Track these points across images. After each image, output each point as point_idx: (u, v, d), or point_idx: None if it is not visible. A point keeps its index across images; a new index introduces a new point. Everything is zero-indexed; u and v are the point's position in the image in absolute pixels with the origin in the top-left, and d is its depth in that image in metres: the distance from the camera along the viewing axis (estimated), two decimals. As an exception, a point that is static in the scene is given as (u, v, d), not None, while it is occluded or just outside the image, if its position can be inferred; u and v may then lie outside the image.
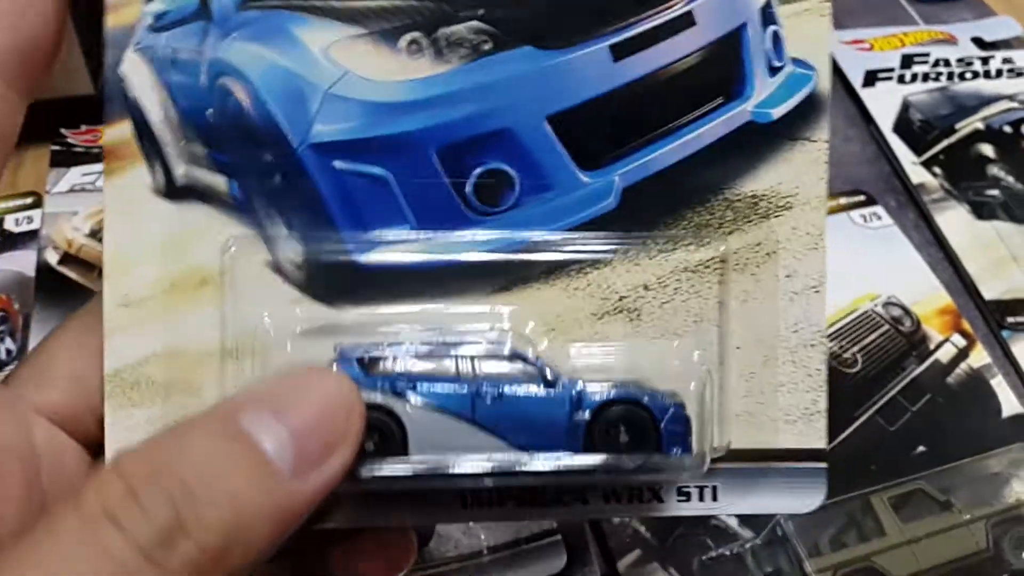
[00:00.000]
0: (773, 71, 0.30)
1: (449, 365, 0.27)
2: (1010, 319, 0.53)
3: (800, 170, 0.29)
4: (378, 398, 0.26)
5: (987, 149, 0.63)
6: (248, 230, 0.28)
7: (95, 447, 0.28)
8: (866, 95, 0.67)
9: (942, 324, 0.53)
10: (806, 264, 0.29)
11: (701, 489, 0.29)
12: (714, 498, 0.29)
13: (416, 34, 0.28)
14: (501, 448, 0.26)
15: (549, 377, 0.27)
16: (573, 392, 0.27)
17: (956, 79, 0.68)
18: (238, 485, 0.21)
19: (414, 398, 0.26)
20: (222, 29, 0.29)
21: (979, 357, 0.51)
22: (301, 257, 0.28)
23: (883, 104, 0.66)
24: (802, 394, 0.29)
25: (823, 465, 0.29)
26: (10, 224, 0.57)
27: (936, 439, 0.48)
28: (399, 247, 0.28)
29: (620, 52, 0.29)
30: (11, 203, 0.58)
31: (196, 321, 0.28)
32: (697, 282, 0.29)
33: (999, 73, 0.69)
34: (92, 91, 0.61)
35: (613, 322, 0.29)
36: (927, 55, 0.70)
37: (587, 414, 0.27)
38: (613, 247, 0.29)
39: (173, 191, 0.29)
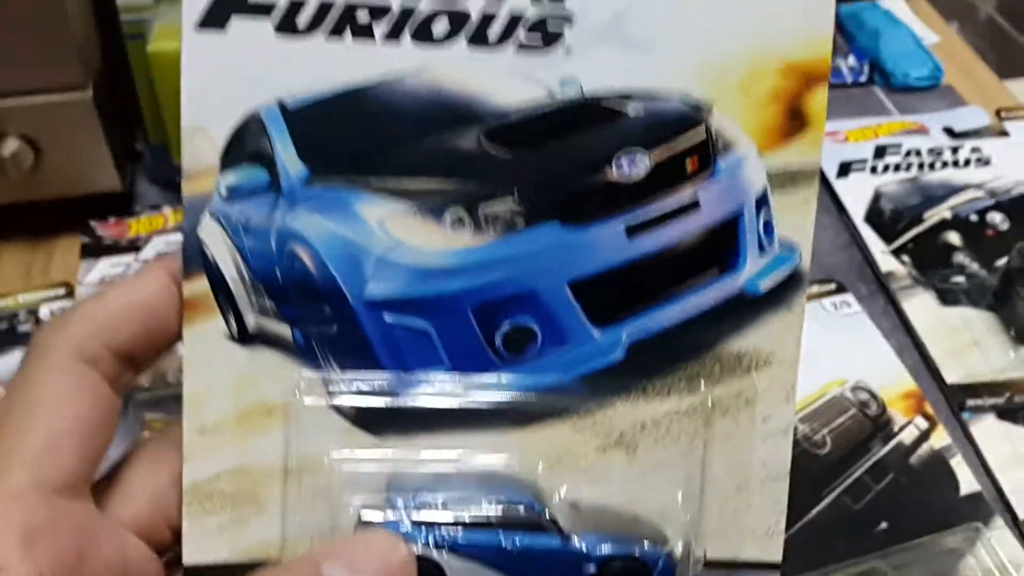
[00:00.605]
0: (763, 250, 0.34)
1: (479, 515, 0.32)
2: (970, 402, 0.57)
3: (779, 334, 0.34)
4: (423, 550, 0.31)
5: (954, 237, 0.67)
6: (310, 371, 0.33)
7: (167, 555, 0.33)
8: (840, 186, 0.71)
9: (906, 407, 0.57)
10: (779, 412, 0.34)
11: None
12: None
13: (459, 210, 0.33)
14: None
15: (561, 530, 0.33)
16: (580, 545, 0.32)
17: (926, 169, 0.73)
18: None
19: (454, 552, 0.31)
20: (290, 201, 0.33)
21: (940, 438, 0.55)
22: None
23: (856, 194, 0.70)
24: (766, 517, 0.34)
25: (775, 574, 0.35)
26: (45, 313, 0.62)
27: (898, 517, 0.51)
28: (436, 387, 0.33)
29: (634, 230, 0.34)
30: (46, 293, 0.63)
31: (262, 444, 0.33)
32: (686, 423, 0.34)
33: (967, 162, 0.73)
34: (119, 188, 0.66)
35: (613, 455, 0.34)
36: (899, 146, 0.74)
37: (593, 567, 0.32)
38: (617, 392, 0.34)
39: (245, 337, 0.34)
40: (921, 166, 0.73)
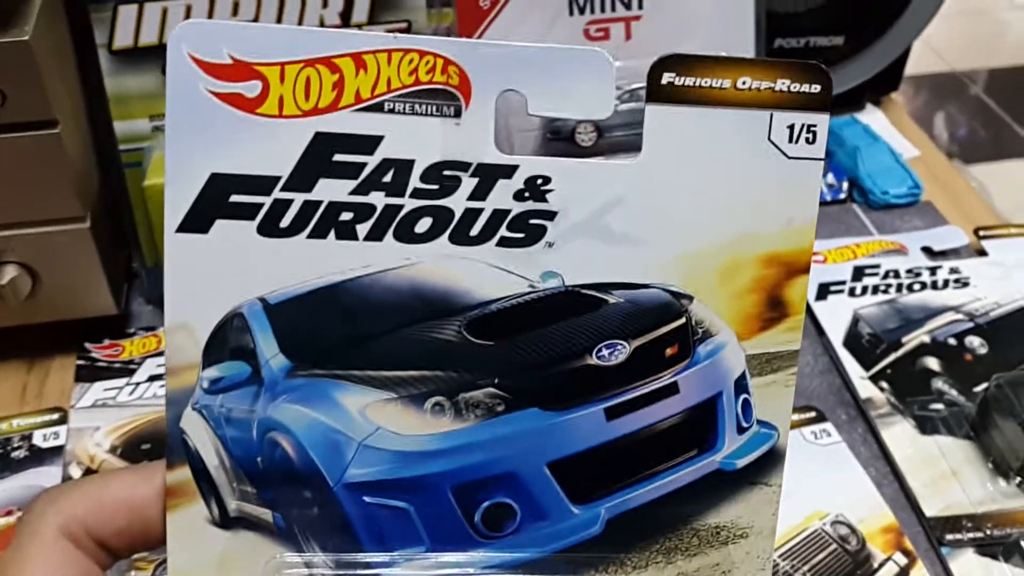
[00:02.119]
0: (741, 430, 0.36)
1: None
2: (948, 536, 0.58)
3: (756, 507, 0.35)
4: None
5: (932, 363, 0.68)
6: (289, 552, 0.34)
7: None
8: (819, 308, 0.73)
9: (885, 542, 0.57)
10: None
11: None
12: None
13: (440, 398, 0.34)
14: None
15: None
16: None
17: (905, 291, 0.74)
18: None
19: None
20: (271, 393, 0.34)
21: (919, 574, 0.56)
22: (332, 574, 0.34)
23: (834, 317, 0.72)
24: None
25: None
26: (38, 439, 0.62)
27: (882, 658, 0.52)
28: (414, 564, 0.34)
29: (613, 414, 0.35)
30: (39, 419, 0.64)
31: None
32: None
33: (946, 284, 0.75)
34: (114, 310, 0.67)
35: None
36: (878, 266, 0.76)
37: None
38: (595, 565, 0.35)
39: (226, 521, 0.35)
40: (900, 288, 0.74)
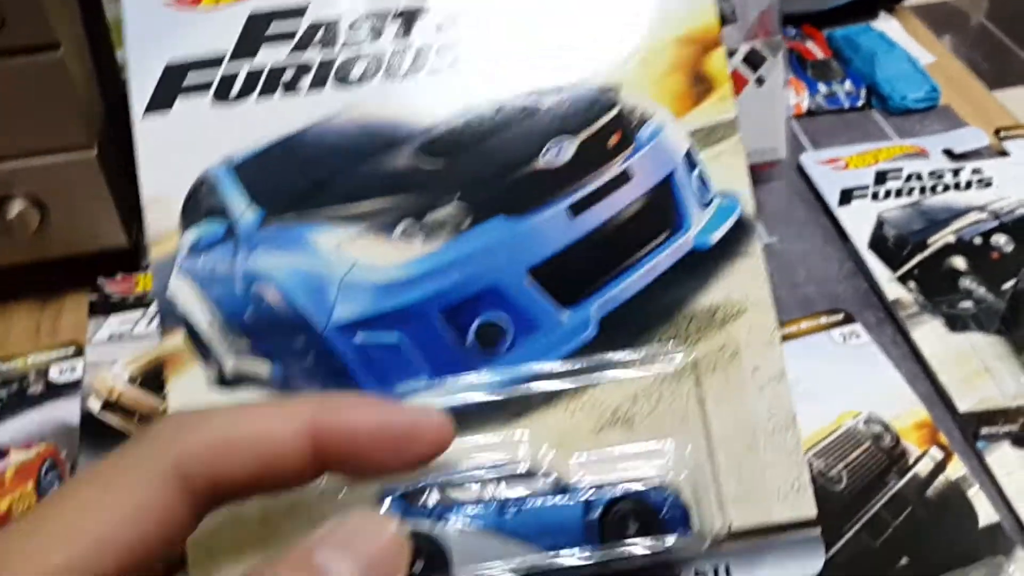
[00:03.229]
0: (704, 204, 0.36)
1: (476, 490, 0.32)
2: (984, 430, 0.57)
3: (744, 280, 0.35)
4: (421, 526, 0.31)
5: (959, 262, 0.67)
6: None
7: None
8: (842, 213, 0.71)
9: (920, 438, 0.57)
10: (766, 358, 0.35)
11: (716, 568, 0.33)
12: (727, 574, 0.34)
13: (408, 221, 0.35)
14: (529, 552, 0.31)
15: (561, 487, 0.32)
16: (583, 498, 0.32)
17: (928, 193, 0.73)
18: None
19: (450, 522, 0.31)
20: (248, 246, 0.35)
21: (956, 469, 0.55)
22: None
23: (858, 221, 0.71)
24: (786, 472, 0.34)
25: (816, 532, 0.34)
26: (54, 374, 0.62)
27: (918, 551, 0.51)
28: (420, 396, 0.33)
29: (575, 210, 0.36)
30: (54, 353, 0.63)
31: None
32: (677, 387, 0.34)
33: (969, 184, 0.74)
34: (126, 244, 0.66)
35: (611, 433, 0.34)
36: (900, 170, 0.75)
37: (598, 514, 0.32)
38: (600, 368, 0.34)
39: (225, 380, 0.35)
40: (923, 190, 0.73)
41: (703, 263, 0.36)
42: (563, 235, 0.35)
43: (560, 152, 0.36)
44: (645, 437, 0.33)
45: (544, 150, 0.36)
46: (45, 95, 0.58)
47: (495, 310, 0.35)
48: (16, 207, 0.61)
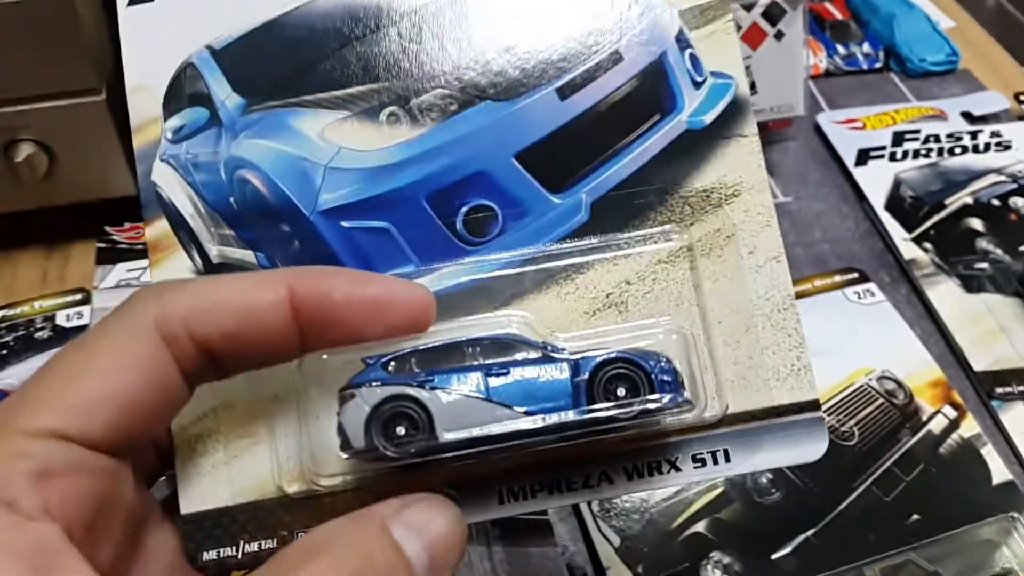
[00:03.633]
0: (697, 85, 0.35)
1: (461, 356, 0.31)
2: (999, 389, 0.56)
3: (739, 162, 0.34)
4: (404, 390, 0.30)
5: (976, 223, 0.66)
6: None
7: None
8: (859, 173, 0.70)
9: (934, 396, 0.56)
10: (763, 240, 0.34)
11: (714, 453, 0.32)
12: (727, 459, 0.32)
13: (393, 108, 0.34)
14: (515, 416, 0.30)
15: (548, 351, 0.32)
16: (571, 361, 0.31)
17: (946, 155, 0.72)
18: None
19: (434, 385, 0.31)
20: (232, 132, 0.34)
21: (969, 427, 0.54)
22: None
23: (875, 182, 0.70)
24: (786, 353, 0.33)
25: (819, 414, 0.33)
26: (61, 320, 0.61)
27: (929, 508, 0.51)
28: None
29: (565, 92, 0.35)
30: (62, 299, 0.63)
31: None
32: (671, 270, 0.33)
33: (987, 147, 0.73)
34: (134, 192, 0.66)
35: (605, 316, 0.33)
36: (918, 132, 0.74)
37: (586, 375, 0.31)
38: (593, 252, 0.33)
39: (211, 269, 0.34)
40: (940, 152, 0.72)
41: (697, 144, 0.35)
42: (553, 118, 0.34)
43: None
44: (640, 320, 0.33)
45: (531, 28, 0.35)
46: (54, 39, 0.57)
47: (483, 196, 0.34)
48: (24, 151, 0.60)
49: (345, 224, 0.33)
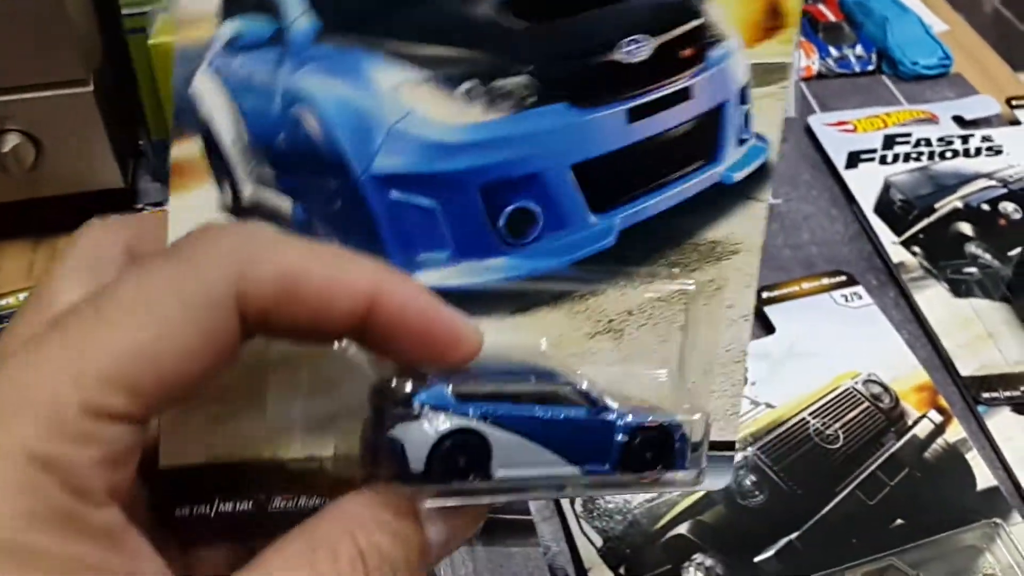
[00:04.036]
0: (741, 142, 0.36)
1: (519, 391, 0.32)
2: (985, 395, 0.56)
3: (748, 224, 0.35)
4: (470, 424, 0.30)
5: (965, 227, 0.66)
6: None
7: None
8: (849, 176, 0.70)
9: (919, 400, 0.56)
10: (742, 298, 0.35)
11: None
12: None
13: (474, 82, 0.32)
14: (562, 465, 0.31)
15: (594, 402, 0.33)
16: (611, 417, 0.32)
17: (936, 158, 0.72)
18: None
19: (497, 420, 0.31)
20: (297, 59, 0.31)
21: (955, 432, 0.54)
22: None
23: (865, 185, 0.70)
24: (727, 399, 0.36)
25: (732, 454, 0.36)
26: (46, 312, 0.61)
27: (914, 512, 0.51)
28: (439, 271, 0.32)
29: (635, 115, 0.35)
30: (47, 292, 0.62)
31: None
32: (666, 310, 0.35)
33: (978, 151, 0.73)
34: (122, 184, 0.65)
35: (601, 340, 0.34)
36: (909, 135, 0.74)
37: (625, 438, 0.32)
38: (608, 278, 0.34)
39: (239, 209, 0.31)
40: (931, 155, 0.72)
41: (721, 198, 0.36)
42: (615, 138, 0.34)
43: (638, 49, 0.35)
44: (627, 350, 0.34)
45: (624, 42, 0.35)
46: (42, 29, 0.57)
47: (531, 198, 0.34)
48: (11, 141, 0.60)
49: (394, 195, 0.31)
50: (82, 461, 0.24)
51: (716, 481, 0.35)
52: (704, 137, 0.36)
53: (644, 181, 0.35)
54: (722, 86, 0.36)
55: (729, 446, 0.36)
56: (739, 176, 0.36)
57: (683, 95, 0.35)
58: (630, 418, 0.33)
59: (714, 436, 0.35)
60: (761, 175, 0.36)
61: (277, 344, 0.29)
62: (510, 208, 0.33)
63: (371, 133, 0.31)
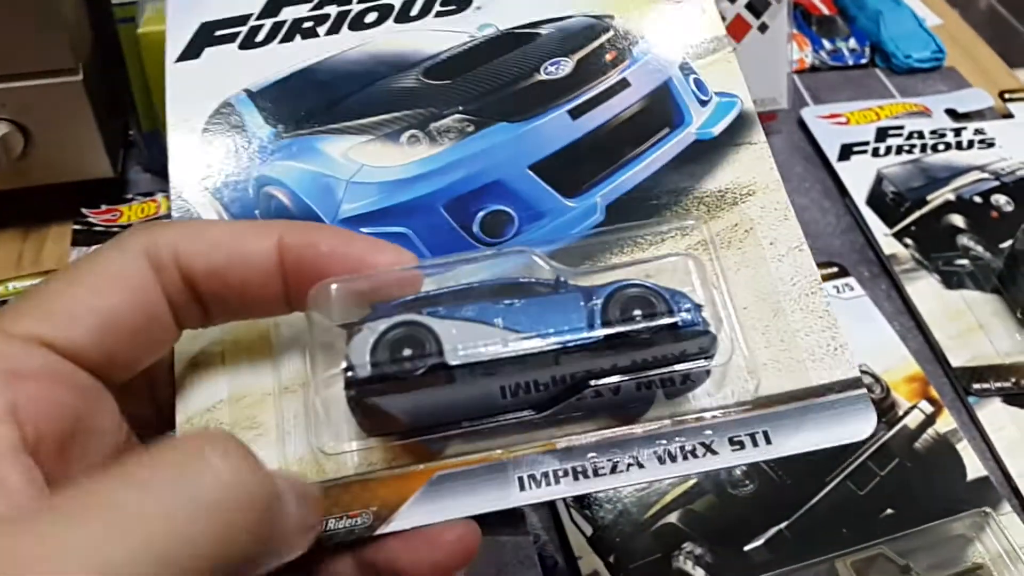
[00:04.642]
0: (703, 103, 0.38)
1: (473, 297, 0.31)
2: (976, 386, 0.56)
3: (751, 165, 0.36)
4: (411, 317, 0.29)
5: (957, 219, 0.66)
6: None
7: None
8: (841, 168, 0.70)
9: (911, 391, 0.56)
10: (783, 232, 0.35)
11: (753, 435, 0.31)
12: (768, 441, 0.31)
13: (413, 131, 0.37)
14: (526, 338, 0.29)
15: (561, 279, 0.31)
16: (584, 288, 0.31)
17: (929, 151, 0.72)
18: None
19: (443, 315, 0.30)
20: (262, 156, 0.37)
21: (946, 423, 0.54)
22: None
23: (857, 177, 0.69)
24: (819, 334, 0.32)
25: (861, 391, 0.31)
26: (35, 302, 0.61)
27: (904, 502, 0.51)
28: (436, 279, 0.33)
29: (576, 113, 0.38)
30: (37, 280, 0.62)
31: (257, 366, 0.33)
32: (691, 262, 0.33)
33: (970, 144, 0.73)
34: (111, 174, 0.65)
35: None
36: (901, 128, 0.73)
37: (600, 300, 0.30)
38: (607, 249, 0.34)
39: None
40: (924, 148, 0.72)
41: (708, 152, 0.37)
42: (563, 135, 0.37)
43: (559, 67, 0.39)
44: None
45: (544, 66, 0.39)
46: (32, 17, 0.57)
47: (499, 202, 0.35)
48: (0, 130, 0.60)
49: (364, 230, 0.35)
50: None
51: (856, 428, 0.31)
52: (660, 109, 0.38)
53: (608, 161, 0.36)
54: (658, 68, 0.39)
55: (853, 384, 0.31)
56: (717, 130, 0.37)
57: (621, 85, 0.38)
58: (605, 284, 0.30)
59: (827, 376, 0.31)
60: (742, 123, 0.37)
61: (279, 376, 0.32)
62: (481, 213, 0.35)
63: (332, 190, 0.36)
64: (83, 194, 0.67)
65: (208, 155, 0.37)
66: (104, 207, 0.67)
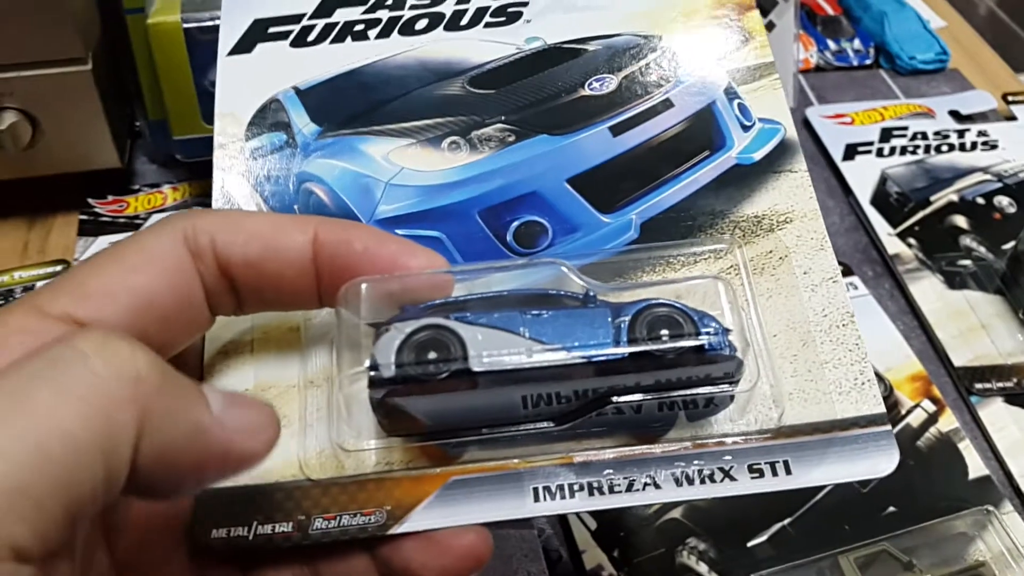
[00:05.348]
0: (746, 128, 0.38)
1: (502, 305, 0.31)
2: (978, 385, 0.57)
3: (790, 193, 0.36)
4: (438, 321, 0.29)
5: (960, 220, 0.67)
6: None
7: None
8: (846, 168, 0.70)
9: (913, 390, 0.56)
10: (818, 262, 0.35)
11: (773, 464, 0.31)
12: (787, 471, 0.31)
13: (455, 137, 0.38)
14: (550, 351, 0.29)
15: (591, 294, 0.31)
16: (612, 305, 0.30)
17: (933, 152, 0.72)
18: None
19: (470, 321, 0.30)
20: (305, 152, 0.38)
21: (948, 422, 0.55)
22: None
23: (862, 177, 0.70)
24: (847, 367, 0.32)
25: (887, 428, 0.31)
26: (41, 291, 0.61)
27: (906, 500, 0.51)
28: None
29: (617, 130, 0.38)
30: (42, 270, 0.62)
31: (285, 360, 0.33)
32: (722, 286, 0.33)
33: (974, 146, 0.73)
34: (118, 164, 0.65)
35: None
36: (906, 128, 0.74)
37: (628, 317, 0.30)
38: (640, 266, 0.34)
39: None
40: (927, 149, 0.72)
41: (747, 177, 0.37)
42: (603, 151, 0.37)
43: (604, 84, 0.39)
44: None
45: (588, 82, 0.39)
46: (40, 6, 0.57)
47: (534, 213, 0.36)
48: (7, 119, 0.60)
49: (399, 232, 0.35)
50: (12, 349, 0.25)
51: (878, 464, 0.31)
52: (702, 131, 0.38)
53: (646, 179, 0.37)
54: (704, 90, 0.39)
55: (876, 420, 0.31)
56: (758, 155, 0.37)
57: (665, 105, 0.38)
58: (634, 302, 0.30)
59: (853, 410, 0.31)
60: (784, 150, 0.37)
61: (304, 370, 0.32)
62: (515, 223, 0.36)
63: (371, 190, 0.37)
64: (89, 184, 0.67)
65: (252, 148, 0.38)
66: (110, 197, 0.67)
